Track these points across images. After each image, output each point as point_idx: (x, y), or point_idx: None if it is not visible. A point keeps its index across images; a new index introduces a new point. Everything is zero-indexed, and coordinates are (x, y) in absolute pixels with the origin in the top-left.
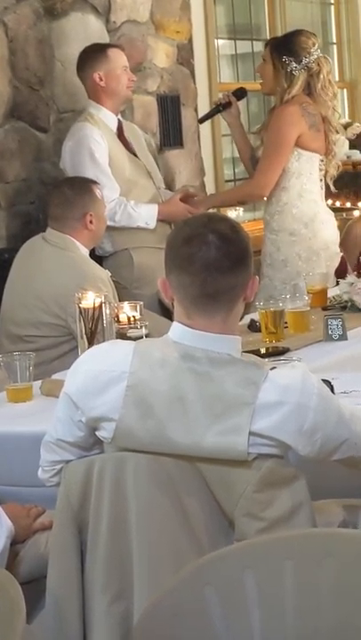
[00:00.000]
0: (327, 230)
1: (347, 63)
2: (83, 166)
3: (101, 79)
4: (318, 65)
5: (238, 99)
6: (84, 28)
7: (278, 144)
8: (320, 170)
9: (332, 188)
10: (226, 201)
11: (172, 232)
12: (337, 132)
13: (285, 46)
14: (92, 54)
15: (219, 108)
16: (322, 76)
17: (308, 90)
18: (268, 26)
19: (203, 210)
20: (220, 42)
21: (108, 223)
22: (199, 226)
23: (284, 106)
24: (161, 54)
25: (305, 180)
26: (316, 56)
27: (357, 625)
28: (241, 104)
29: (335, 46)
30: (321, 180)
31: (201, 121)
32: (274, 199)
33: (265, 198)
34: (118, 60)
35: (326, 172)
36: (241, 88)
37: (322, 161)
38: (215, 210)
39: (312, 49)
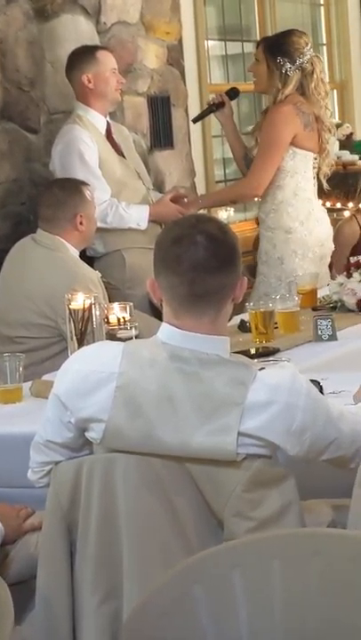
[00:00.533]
0: (322, 227)
1: (336, 64)
2: (73, 169)
3: (90, 81)
4: (312, 64)
5: (231, 98)
6: (74, 30)
7: (273, 144)
8: (313, 168)
9: (326, 185)
10: (219, 201)
11: (160, 233)
12: (330, 131)
13: (279, 47)
14: (81, 56)
15: (212, 108)
16: (315, 76)
17: (302, 89)
18: (259, 27)
19: (195, 210)
20: (211, 43)
21: (100, 225)
22: (187, 226)
23: (279, 105)
24: (151, 55)
25: (300, 179)
26: (308, 56)
27: (344, 623)
28: (233, 106)
29: (325, 47)
30: (314, 178)
31: (195, 121)
32: (269, 197)
33: (257, 198)
34: (107, 62)
35: (319, 169)
36: (234, 88)
37: (315, 159)
38: (206, 210)
39: (305, 49)
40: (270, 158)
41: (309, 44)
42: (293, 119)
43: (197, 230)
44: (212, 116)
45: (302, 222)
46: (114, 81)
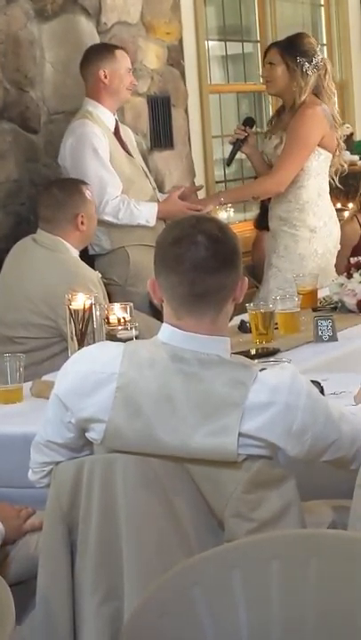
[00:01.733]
0: (337, 228)
1: (337, 64)
2: (85, 163)
3: (106, 77)
4: (324, 64)
5: (251, 127)
6: (74, 30)
7: (302, 144)
8: (330, 167)
9: (337, 182)
10: (241, 197)
11: (161, 233)
12: (341, 126)
13: (297, 48)
14: (100, 52)
15: (240, 144)
16: (328, 76)
17: (316, 89)
18: (259, 27)
19: (214, 206)
20: (211, 43)
21: (111, 220)
22: (188, 226)
23: (308, 106)
24: (151, 55)
25: (321, 180)
26: (321, 56)
27: (343, 624)
28: (233, 106)
29: (325, 47)
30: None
31: (229, 164)
32: (291, 197)
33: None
34: (124, 61)
35: (333, 166)
36: (249, 118)
37: (332, 159)
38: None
39: (317, 49)
40: (298, 157)
41: (319, 46)
42: (322, 120)
43: (198, 230)
44: (212, 114)
45: (326, 223)
46: (128, 80)
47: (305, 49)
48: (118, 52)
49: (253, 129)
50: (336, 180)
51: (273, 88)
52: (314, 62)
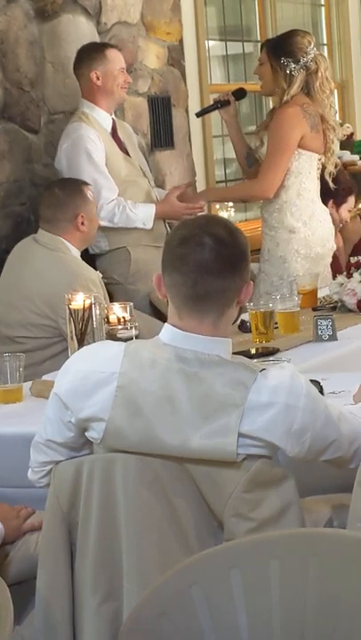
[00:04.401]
0: (324, 227)
1: (337, 64)
2: (80, 167)
3: (98, 78)
4: (316, 63)
5: (237, 98)
6: (74, 30)
7: (281, 146)
8: (318, 169)
9: (331, 185)
10: (229, 197)
11: (171, 231)
12: (334, 130)
13: (282, 48)
14: (90, 53)
15: (217, 105)
16: (320, 74)
17: (307, 89)
18: (259, 27)
19: (203, 202)
20: (211, 43)
21: (107, 224)
22: (196, 227)
23: (285, 107)
24: (152, 55)
25: (303, 179)
26: (312, 55)
27: (342, 624)
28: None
29: (326, 47)
30: (318, 178)
31: (198, 115)
32: (273, 197)
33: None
34: (116, 60)
35: (324, 168)
36: (241, 88)
37: (319, 160)
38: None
39: (308, 48)
40: (280, 160)
41: (313, 44)
42: (300, 121)
43: (206, 232)
44: (213, 115)
45: (305, 222)
46: (121, 79)
47: (291, 49)
48: (109, 52)
49: (239, 102)
50: (330, 181)
51: (264, 88)
52: (302, 62)
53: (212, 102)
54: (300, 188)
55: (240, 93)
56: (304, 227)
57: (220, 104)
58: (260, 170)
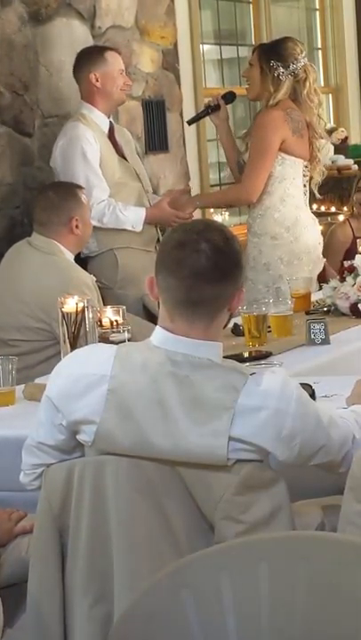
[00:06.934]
0: (309, 234)
1: (332, 68)
2: (74, 165)
3: (97, 80)
4: (305, 72)
5: (227, 102)
6: (68, 34)
7: (262, 149)
8: (304, 176)
9: (317, 194)
10: (216, 203)
11: (167, 233)
12: (321, 138)
13: (273, 51)
14: (90, 55)
15: (208, 111)
16: (308, 84)
17: (294, 95)
18: (254, 31)
19: (191, 209)
20: (206, 47)
21: (96, 224)
22: (194, 232)
23: (268, 111)
24: (146, 59)
25: (288, 185)
26: (303, 63)
27: (331, 627)
28: (227, 108)
29: (320, 52)
30: (305, 185)
31: (190, 122)
32: (257, 203)
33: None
34: (115, 62)
35: (311, 178)
36: (230, 92)
37: (306, 167)
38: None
39: (299, 56)
40: (262, 163)
41: (304, 53)
42: (282, 124)
43: (203, 238)
44: (207, 119)
45: (288, 228)
46: (121, 82)
47: (283, 53)
48: (109, 54)
49: (234, 106)
50: (315, 190)
51: (250, 91)
52: (291, 68)
53: (203, 108)
54: (283, 194)
55: (230, 97)
56: (286, 233)
57: (210, 109)
58: (243, 173)
